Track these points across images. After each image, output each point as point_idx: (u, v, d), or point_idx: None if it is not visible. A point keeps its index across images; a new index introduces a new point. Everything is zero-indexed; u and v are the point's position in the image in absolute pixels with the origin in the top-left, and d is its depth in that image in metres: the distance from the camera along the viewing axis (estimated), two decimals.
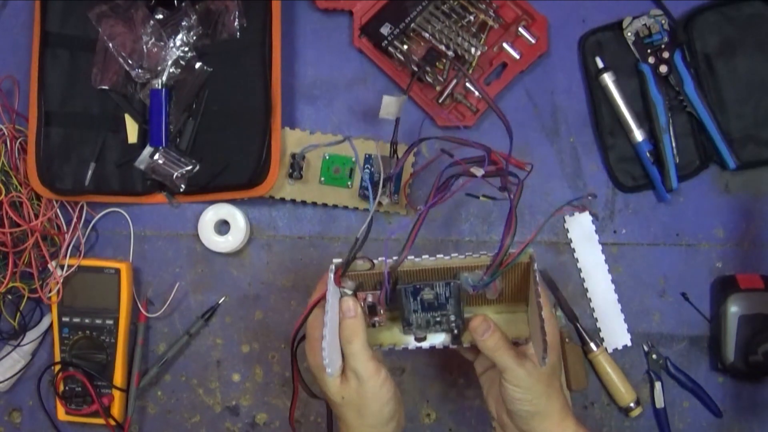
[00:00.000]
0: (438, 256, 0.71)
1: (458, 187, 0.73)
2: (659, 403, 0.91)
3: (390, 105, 0.83)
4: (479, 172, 0.73)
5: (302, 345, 0.74)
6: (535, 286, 0.68)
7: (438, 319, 0.74)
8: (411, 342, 0.75)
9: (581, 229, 0.93)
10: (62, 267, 0.88)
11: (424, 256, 0.71)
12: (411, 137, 0.92)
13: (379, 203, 0.90)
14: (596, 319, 0.92)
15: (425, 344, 0.75)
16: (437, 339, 0.75)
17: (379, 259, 0.70)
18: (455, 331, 0.74)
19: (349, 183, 0.91)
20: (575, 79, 0.94)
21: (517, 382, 0.69)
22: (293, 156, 0.90)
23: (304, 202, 0.92)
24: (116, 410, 0.89)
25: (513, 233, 0.68)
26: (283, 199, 0.91)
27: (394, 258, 0.69)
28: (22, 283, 0.87)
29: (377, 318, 0.74)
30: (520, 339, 0.73)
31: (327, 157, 0.91)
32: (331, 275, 0.69)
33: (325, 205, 0.92)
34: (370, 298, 0.73)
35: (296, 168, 0.90)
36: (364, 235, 0.69)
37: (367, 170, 0.91)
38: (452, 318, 0.74)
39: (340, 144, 0.89)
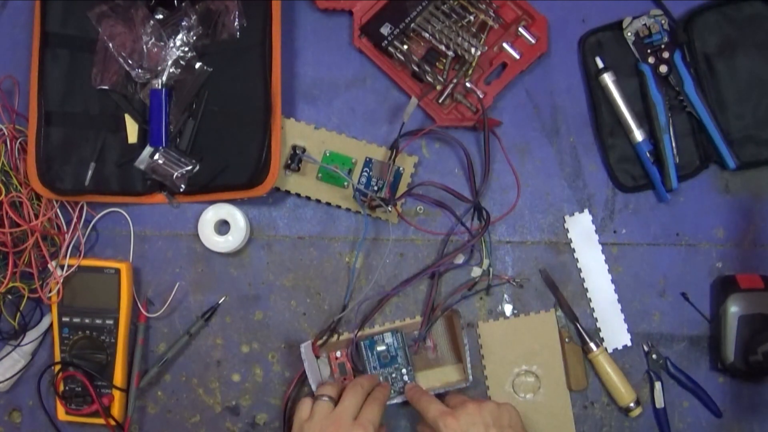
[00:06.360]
0: (386, 324, 0.91)
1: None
2: (659, 403, 0.91)
3: (412, 106, 0.88)
4: (460, 259, 0.91)
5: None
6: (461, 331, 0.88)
7: (393, 375, 0.89)
8: None
9: (581, 229, 0.93)
10: (62, 267, 0.88)
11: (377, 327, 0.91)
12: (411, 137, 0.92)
13: (373, 209, 0.90)
14: (596, 319, 0.92)
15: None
16: (395, 399, 0.89)
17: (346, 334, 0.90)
18: (409, 381, 0.89)
19: (345, 183, 0.91)
20: (575, 79, 0.94)
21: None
22: (294, 148, 0.90)
23: (298, 195, 0.91)
24: (116, 410, 0.89)
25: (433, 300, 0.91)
26: (278, 189, 0.91)
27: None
28: (22, 283, 0.87)
29: (346, 381, 0.88)
30: (450, 385, 0.88)
31: (328, 154, 0.91)
32: (307, 348, 0.87)
33: (326, 204, 0.92)
34: (339, 354, 0.90)
35: (295, 160, 0.90)
36: (339, 317, 0.89)
37: (365, 174, 0.91)
38: (403, 372, 0.89)
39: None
